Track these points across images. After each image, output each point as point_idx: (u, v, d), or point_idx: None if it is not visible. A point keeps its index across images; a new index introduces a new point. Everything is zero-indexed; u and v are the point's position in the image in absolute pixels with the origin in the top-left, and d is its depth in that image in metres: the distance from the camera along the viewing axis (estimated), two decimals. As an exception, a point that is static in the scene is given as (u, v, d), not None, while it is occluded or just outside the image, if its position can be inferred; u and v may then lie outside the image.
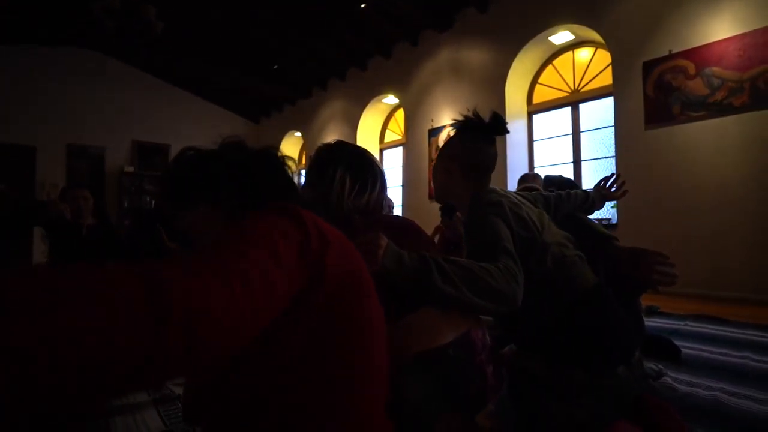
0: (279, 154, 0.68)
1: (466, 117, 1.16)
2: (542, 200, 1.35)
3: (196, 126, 8.16)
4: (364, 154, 0.99)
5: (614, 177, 1.59)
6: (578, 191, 1.52)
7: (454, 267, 0.79)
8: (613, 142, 3.92)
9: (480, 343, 0.78)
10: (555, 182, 2.17)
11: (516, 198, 1.14)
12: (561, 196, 1.44)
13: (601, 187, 1.61)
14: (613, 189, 1.60)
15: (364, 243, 0.75)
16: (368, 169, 0.96)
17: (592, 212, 1.54)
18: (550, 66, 4.80)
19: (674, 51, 3.49)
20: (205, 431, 0.56)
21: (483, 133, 1.15)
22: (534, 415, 1.01)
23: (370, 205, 0.94)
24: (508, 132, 1.16)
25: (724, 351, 1.81)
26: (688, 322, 2.34)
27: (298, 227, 0.46)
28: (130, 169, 7.41)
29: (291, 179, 0.67)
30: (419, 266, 0.77)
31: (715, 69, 3.29)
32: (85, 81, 7.11)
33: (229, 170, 0.63)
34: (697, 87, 3.39)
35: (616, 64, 3.88)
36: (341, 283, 0.50)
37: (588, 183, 4.40)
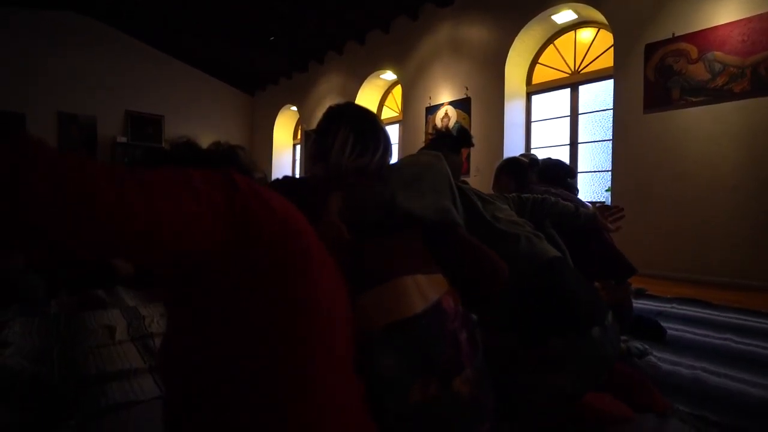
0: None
1: (436, 131, 1.39)
2: (517, 201, 1.42)
3: (190, 98, 8.00)
4: (372, 116, 0.97)
5: (619, 212, 1.53)
6: (568, 204, 1.46)
7: None
8: (611, 125, 3.91)
9: (451, 311, 0.78)
10: (550, 166, 2.14)
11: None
12: (543, 201, 1.43)
13: (599, 209, 1.52)
14: (611, 224, 1.53)
15: None
16: (373, 131, 0.94)
17: (573, 228, 1.45)
18: (551, 46, 4.72)
19: (678, 34, 3.45)
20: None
21: (451, 144, 1.33)
22: (514, 390, 1.04)
23: (370, 168, 0.92)
24: (473, 145, 1.38)
25: (707, 333, 1.87)
26: (674, 305, 2.40)
27: (227, 183, 0.48)
28: (123, 139, 7.29)
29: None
30: None
31: (718, 54, 3.26)
32: (77, 47, 6.89)
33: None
34: (698, 71, 3.36)
35: (618, 46, 3.83)
36: (281, 254, 0.51)
37: (584, 166, 4.41)
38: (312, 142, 0.98)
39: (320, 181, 0.91)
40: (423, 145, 1.51)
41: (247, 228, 0.48)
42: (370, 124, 0.95)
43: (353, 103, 1.00)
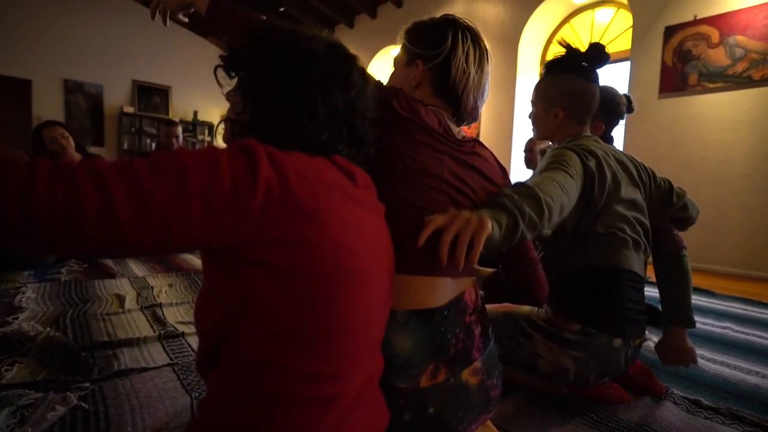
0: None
1: (563, 55, 1.10)
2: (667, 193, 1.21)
3: (198, 67, 7.88)
4: (475, 26, 0.88)
5: None
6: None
7: (547, 181, 0.81)
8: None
9: (472, 304, 0.79)
10: (611, 100, 1.49)
11: (607, 150, 1.08)
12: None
13: None
14: None
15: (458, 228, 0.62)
16: (481, 39, 0.86)
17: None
18: (567, 25, 4.59)
19: (700, 16, 3.33)
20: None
21: (582, 66, 1.09)
22: (521, 355, 1.07)
23: (485, 94, 0.87)
24: (609, 60, 1.10)
25: (708, 321, 1.88)
26: (676, 293, 2.41)
27: (248, 171, 0.47)
28: (130, 109, 7.24)
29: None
30: (511, 229, 0.71)
31: (740, 38, 3.16)
32: (84, 13, 6.77)
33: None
34: (718, 56, 3.27)
35: (637, 27, 3.71)
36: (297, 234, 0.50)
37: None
38: (407, 64, 0.87)
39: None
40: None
41: (267, 212, 0.48)
42: (479, 33, 0.87)
43: (451, 14, 0.88)
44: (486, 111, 4.86)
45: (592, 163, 0.99)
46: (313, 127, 0.58)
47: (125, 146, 7.18)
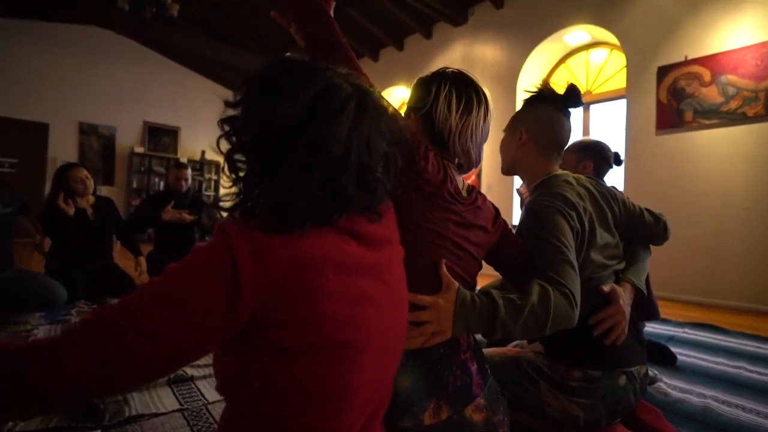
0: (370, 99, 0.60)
1: (539, 89, 1.10)
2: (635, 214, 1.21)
3: (206, 109, 8.17)
4: (467, 74, 0.92)
5: None
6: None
7: (522, 319, 0.80)
8: (623, 145, 3.92)
9: (465, 342, 0.83)
10: (602, 150, 1.74)
11: (582, 192, 1.08)
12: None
13: None
14: None
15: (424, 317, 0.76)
16: (472, 86, 0.89)
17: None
18: (563, 65, 4.78)
19: (690, 57, 3.47)
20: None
21: (558, 104, 1.09)
22: (529, 401, 1.06)
23: (478, 132, 0.88)
24: (582, 104, 1.10)
25: (720, 360, 1.85)
26: (686, 329, 2.38)
27: (227, 278, 0.48)
28: (140, 149, 7.47)
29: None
30: (486, 328, 0.80)
31: (731, 77, 3.27)
32: (98, 60, 7.12)
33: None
34: (711, 94, 3.38)
35: (630, 67, 3.86)
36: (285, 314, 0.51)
37: (595, 185, 4.41)
38: (407, 113, 0.93)
39: (418, 142, 0.83)
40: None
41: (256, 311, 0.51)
42: (468, 79, 0.91)
43: (445, 67, 0.94)
44: (487, 150, 4.95)
45: (576, 223, 0.99)
46: (302, 205, 0.52)
47: (134, 185, 7.34)
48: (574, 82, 1.11)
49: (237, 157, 0.56)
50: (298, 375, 0.53)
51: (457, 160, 0.90)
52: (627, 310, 1.01)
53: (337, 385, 0.55)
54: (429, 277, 0.80)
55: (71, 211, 2.54)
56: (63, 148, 6.81)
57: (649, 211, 1.23)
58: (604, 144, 1.66)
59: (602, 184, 1.16)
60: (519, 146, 1.11)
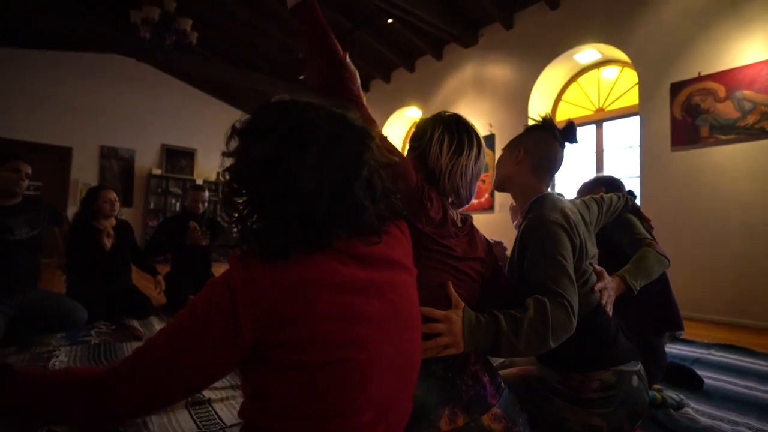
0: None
1: (542, 118, 1.19)
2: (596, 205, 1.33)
3: (222, 131, 8.28)
4: (464, 120, 1.01)
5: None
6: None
7: (523, 331, 0.85)
8: (638, 162, 3.89)
9: (473, 355, 0.86)
10: (615, 184, 1.83)
11: (575, 210, 1.16)
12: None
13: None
14: None
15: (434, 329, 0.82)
16: (465, 131, 0.97)
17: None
18: (574, 83, 4.79)
19: (704, 73, 3.46)
20: None
21: (556, 134, 1.17)
22: (547, 418, 1.07)
23: (468, 172, 0.95)
24: (577, 142, 1.19)
25: (750, 384, 1.78)
26: (712, 351, 2.30)
27: (231, 313, 0.54)
28: (158, 171, 7.65)
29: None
30: (492, 344, 0.85)
31: (747, 92, 3.24)
32: (119, 86, 7.40)
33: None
34: (727, 110, 3.34)
35: (642, 85, 3.86)
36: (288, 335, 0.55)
37: (611, 202, 4.35)
38: (408, 150, 1.02)
39: (422, 184, 0.91)
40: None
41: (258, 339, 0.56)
42: (462, 124, 0.99)
43: (443, 111, 1.03)
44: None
45: (577, 238, 1.05)
46: (282, 239, 0.56)
47: (151, 206, 7.49)
48: (583, 105, 1.20)
49: (235, 199, 0.61)
50: (299, 393, 0.56)
51: (449, 198, 0.97)
52: (610, 288, 1.12)
53: (339, 403, 0.57)
54: (436, 296, 0.85)
55: (109, 245, 2.67)
56: (85, 171, 7.02)
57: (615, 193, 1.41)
58: (617, 179, 1.81)
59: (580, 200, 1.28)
60: (515, 163, 1.17)
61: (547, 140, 1.16)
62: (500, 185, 1.24)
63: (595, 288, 1.08)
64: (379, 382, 0.60)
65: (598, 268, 1.13)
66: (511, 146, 1.22)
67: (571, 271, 0.97)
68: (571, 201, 1.21)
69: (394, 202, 0.68)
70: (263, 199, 0.58)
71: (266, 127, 0.60)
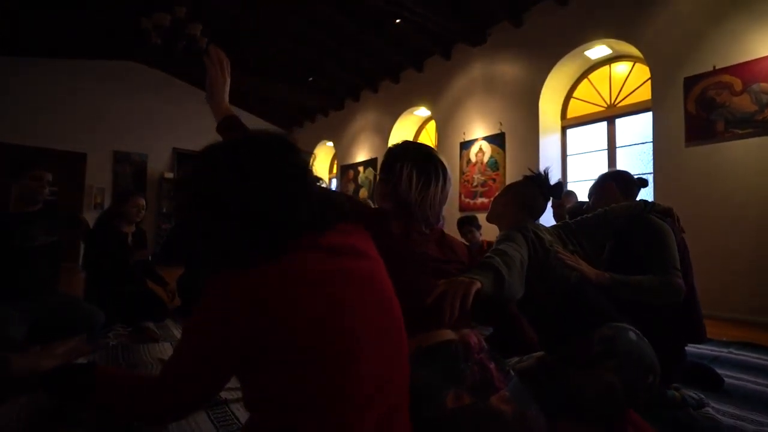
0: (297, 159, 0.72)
1: (537, 173, 1.43)
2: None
3: (233, 135, 8.46)
4: (430, 152, 1.10)
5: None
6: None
7: (508, 257, 1.07)
8: (651, 158, 3.83)
9: (476, 345, 0.88)
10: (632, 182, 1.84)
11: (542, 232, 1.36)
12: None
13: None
14: None
15: (453, 290, 0.88)
16: (432, 165, 1.06)
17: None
18: (585, 80, 4.74)
19: (718, 67, 3.39)
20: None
21: (543, 190, 1.41)
22: (569, 399, 1.07)
23: (436, 201, 1.05)
24: (559, 198, 1.44)
25: (772, 383, 1.74)
26: (731, 349, 2.26)
27: (225, 317, 0.62)
28: (170, 175, 7.75)
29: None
30: (494, 275, 0.98)
31: (764, 85, 3.17)
32: (132, 91, 7.52)
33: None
34: (743, 103, 3.28)
35: (655, 80, 3.80)
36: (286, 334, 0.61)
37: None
38: (378, 182, 1.12)
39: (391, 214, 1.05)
40: (459, 178, 1.55)
41: (257, 336, 0.61)
42: (429, 158, 1.08)
43: (410, 141, 1.12)
44: (510, 167, 4.96)
45: (530, 233, 1.28)
46: (235, 252, 0.65)
47: (163, 209, 7.59)
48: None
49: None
50: (294, 385, 0.60)
51: (422, 224, 1.06)
52: (583, 264, 1.32)
53: (332, 390, 0.61)
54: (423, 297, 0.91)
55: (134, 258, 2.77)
56: (99, 176, 7.15)
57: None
58: (626, 172, 1.87)
59: (568, 226, 1.47)
60: (503, 205, 1.45)
61: (533, 193, 1.41)
62: (492, 219, 1.49)
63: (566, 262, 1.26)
64: (368, 362, 0.64)
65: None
66: (506, 191, 1.48)
67: (516, 250, 1.17)
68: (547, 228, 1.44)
69: (342, 203, 0.77)
70: (207, 222, 0.67)
71: (204, 159, 0.70)
